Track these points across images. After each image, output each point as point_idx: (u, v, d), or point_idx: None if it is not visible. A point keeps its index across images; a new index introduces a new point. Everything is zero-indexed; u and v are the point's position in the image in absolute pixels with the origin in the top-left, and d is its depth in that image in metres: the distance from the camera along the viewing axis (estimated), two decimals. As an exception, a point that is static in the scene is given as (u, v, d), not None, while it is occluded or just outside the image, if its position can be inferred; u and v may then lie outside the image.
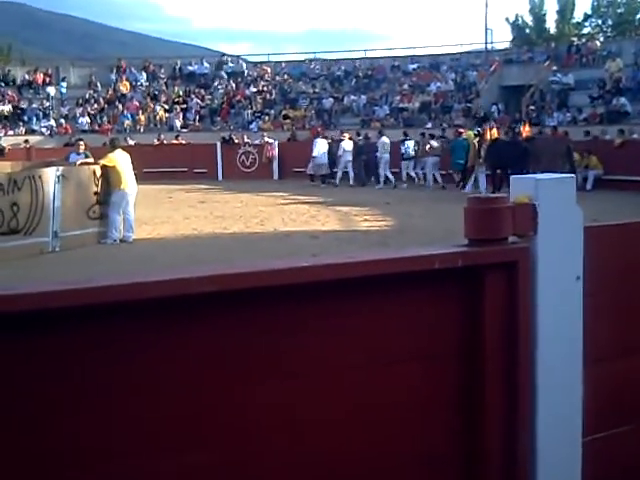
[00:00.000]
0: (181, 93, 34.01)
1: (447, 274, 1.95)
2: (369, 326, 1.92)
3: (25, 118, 32.75)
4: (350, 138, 24.48)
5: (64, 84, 34.70)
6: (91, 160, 14.21)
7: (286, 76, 34.92)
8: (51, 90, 34.11)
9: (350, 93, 32.93)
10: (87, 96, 33.88)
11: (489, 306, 2.00)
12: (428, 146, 22.82)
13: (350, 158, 23.91)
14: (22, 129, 31.98)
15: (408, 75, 33.43)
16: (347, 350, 1.90)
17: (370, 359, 1.92)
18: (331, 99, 32.47)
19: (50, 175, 12.77)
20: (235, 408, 1.78)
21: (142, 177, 16.51)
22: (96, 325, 1.62)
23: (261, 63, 37.47)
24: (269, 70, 35.62)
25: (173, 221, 16.01)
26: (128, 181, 13.45)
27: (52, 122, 32.42)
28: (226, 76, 34.99)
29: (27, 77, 34.90)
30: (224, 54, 41.34)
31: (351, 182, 23.96)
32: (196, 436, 1.74)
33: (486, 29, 36.39)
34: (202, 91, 34.13)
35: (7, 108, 32.79)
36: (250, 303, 1.76)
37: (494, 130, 22.04)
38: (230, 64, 36.52)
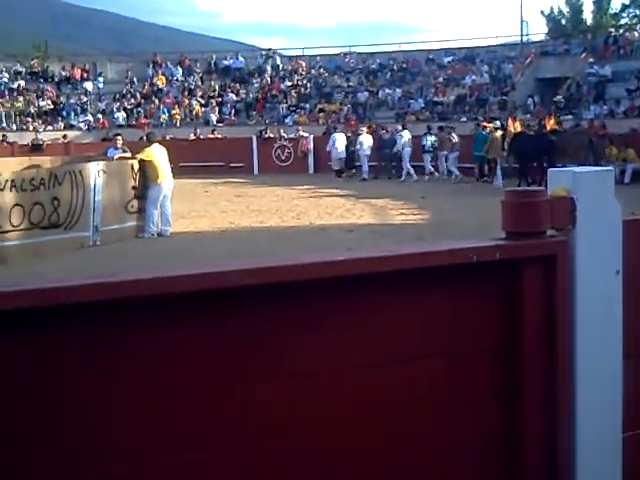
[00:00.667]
0: (217, 87, 34.16)
1: (484, 268, 1.95)
2: (405, 320, 1.92)
3: (63, 113, 33.15)
4: (368, 132, 24.63)
5: (101, 79, 35.05)
6: (129, 154, 14.34)
7: (321, 70, 34.89)
8: (88, 85, 34.47)
9: (385, 86, 32.82)
10: (124, 91, 34.19)
11: (527, 300, 1.99)
12: (454, 140, 22.80)
13: (369, 152, 24.07)
14: (60, 124, 32.38)
15: (443, 68, 33.24)
16: (382, 344, 1.90)
17: (405, 354, 1.92)
18: (366, 93, 32.40)
19: (91, 170, 12.92)
20: (272, 401, 1.79)
21: (179, 171, 16.65)
22: (137, 318, 1.65)
23: (296, 57, 37.49)
24: (304, 64, 35.61)
25: (210, 215, 16.11)
26: (165, 175, 13.56)
27: (90, 117, 32.77)
28: (270, 69, 34.97)
29: (65, 73, 35.29)
30: (259, 48, 41.44)
31: (364, 176, 24.07)
32: (228, 432, 1.76)
33: (522, 21, 36.07)
34: (237, 85, 34.24)
35: (46, 104, 33.21)
36: (287, 296, 1.77)
37: (517, 123, 22.09)
38: (265, 58, 36.59)
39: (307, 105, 32.59)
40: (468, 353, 1.99)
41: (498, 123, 22.46)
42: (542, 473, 2.03)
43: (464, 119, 28.14)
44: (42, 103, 33.23)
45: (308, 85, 33.97)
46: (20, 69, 35.24)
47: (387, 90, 32.42)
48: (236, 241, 12.50)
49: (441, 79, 32.04)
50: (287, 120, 31.41)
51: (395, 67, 33.88)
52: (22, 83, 34.34)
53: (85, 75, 35.23)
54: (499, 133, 21.35)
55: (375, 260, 1.87)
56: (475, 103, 30.03)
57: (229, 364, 1.75)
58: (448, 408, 1.98)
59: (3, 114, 32.53)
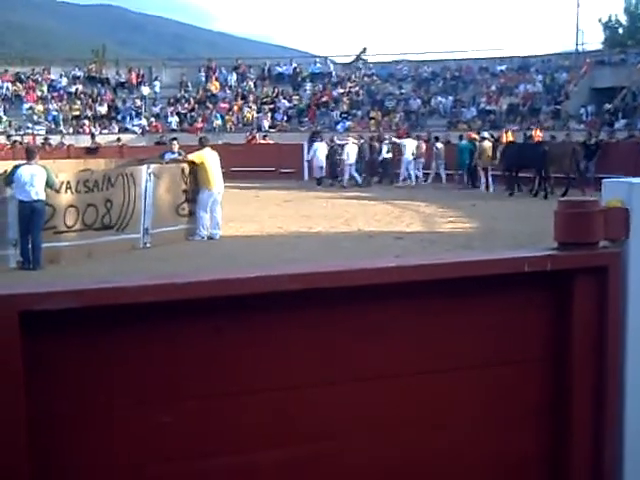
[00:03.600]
0: (270, 93, 34.40)
1: (535, 278, 1.94)
2: (453, 329, 1.91)
3: (119, 117, 33.71)
4: (354, 142, 25.63)
5: (156, 84, 35.55)
6: (182, 158, 14.50)
7: (374, 77, 34.91)
8: (144, 90, 34.99)
9: (437, 94, 32.69)
10: (178, 96, 34.62)
11: (578, 311, 1.97)
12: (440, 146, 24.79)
13: (353, 161, 25.03)
14: (115, 128, 32.93)
15: (496, 77, 32.99)
16: (430, 353, 1.90)
17: (452, 363, 1.92)
18: (418, 100, 32.31)
19: (142, 173, 13.09)
20: (319, 406, 1.81)
21: (230, 176, 16.80)
22: (187, 320, 1.68)
23: (348, 64, 37.56)
24: (357, 71, 35.66)
25: (259, 219, 16.22)
26: (216, 179, 13.69)
27: (144, 121, 33.25)
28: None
29: (120, 78, 35.89)
30: (313, 55, 41.56)
31: (345, 184, 24.92)
32: (277, 433, 1.77)
33: (577, 30, 35.63)
34: (290, 91, 34.44)
35: (103, 108, 33.82)
36: (335, 302, 1.78)
37: (509, 133, 23.60)
38: (317, 65, 36.73)
39: (359, 112, 32.62)
40: (518, 363, 1.97)
41: (486, 134, 23.69)
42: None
43: (515, 128, 27.89)
44: (98, 107, 33.83)
45: (360, 92, 34.00)
46: (78, 74, 35.94)
47: (439, 98, 32.29)
48: (284, 246, 12.57)
49: (494, 87, 31.81)
50: (338, 127, 31.48)
51: (448, 75, 33.74)
52: (80, 87, 35.02)
53: (140, 80, 35.77)
54: (488, 144, 22.51)
55: (425, 268, 1.87)
56: (527, 112, 29.74)
57: (294, 368, 1.77)
58: (497, 416, 1.97)
59: (61, 117, 33.19)
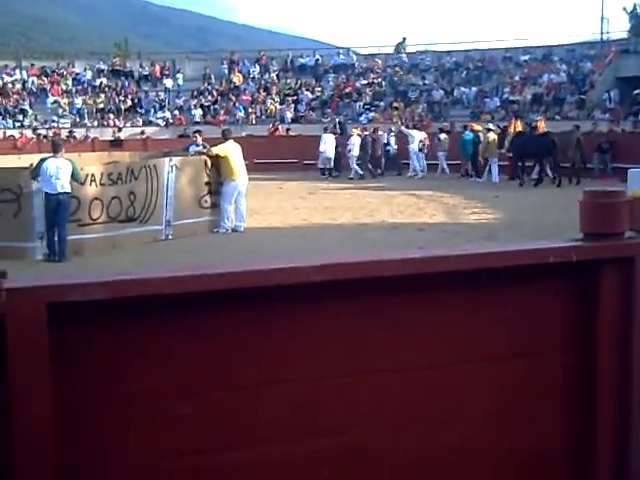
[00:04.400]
0: (292, 85, 34.37)
1: (561, 269, 1.93)
2: (477, 321, 1.91)
3: (142, 110, 33.85)
4: (359, 134, 25.64)
5: (180, 77, 35.64)
6: (204, 151, 14.52)
7: (397, 68, 34.76)
8: (167, 83, 35.10)
9: (461, 85, 32.50)
10: (201, 88, 34.69)
11: (603, 302, 1.95)
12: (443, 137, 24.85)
13: (357, 153, 25.12)
14: (139, 120, 33.08)
15: (520, 66, 32.70)
16: (453, 344, 1.89)
17: (477, 354, 1.91)
18: (441, 91, 32.14)
19: (164, 165, 13.14)
20: (340, 398, 1.81)
21: (253, 168, 16.82)
22: (210, 312, 1.69)
23: (371, 55, 37.41)
24: (379, 62, 35.51)
25: (283, 211, 16.23)
26: (239, 172, 13.69)
27: (167, 114, 33.36)
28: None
29: (144, 71, 36.03)
30: (336, 46, 41.47)
31: (352, 175, 25.03)
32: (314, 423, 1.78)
33: (602, 18, 35.24)
34: (313, 83, 34.40)
35: (127, 101, 33.98)
36: (357, 294, 1.78)
37: (518, 123, 23.18)
38: (340, 56, 36.64)
39: (382, 103, 32.51)
40: (543, 354, 1.97)
41: (492, 125, 23.93)
42: (613, 474, 2.00)
43: (540, 118, 27.65)
44: (122, 100, 34.01)
45: (383, 83, 33.88)
46: (102, 67, 36.12)
47: (462, 88, 32.10)
48: (308, 238, 12.57)
49: (517, 77, 31.54)
50: (361, 118, 31.39)
51: (471, 65, 33.52)
52: (104, 81, 35.20)
53: (164, 73, 35.89)
54: (493, 135, 22.77)
55: (449, 259, 1.86)
56: (552, 102, 29.47)
57: (315, 359, 1.78)
58: (523, 407, 1.96)
59: (85, 111, 33.40)
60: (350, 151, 25.13)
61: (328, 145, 25.44)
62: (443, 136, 25.01)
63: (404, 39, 36.98)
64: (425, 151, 25.04)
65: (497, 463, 1.96)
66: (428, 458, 1.89)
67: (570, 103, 28.91)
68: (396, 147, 26.02)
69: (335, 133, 26.38)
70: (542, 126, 23.25)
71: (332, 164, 25.61)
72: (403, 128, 26.65)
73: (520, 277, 1.91)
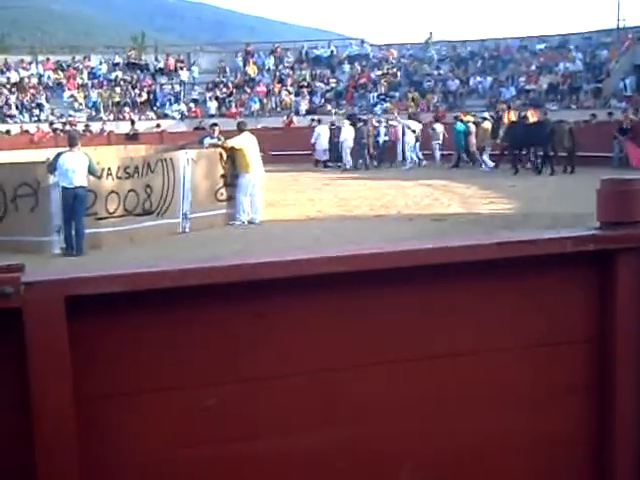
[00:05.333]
0: (307, 77, 34.34)
1: (578, 258, 1.92)
2: (495, 309, 1.91)
3: (158, 103, 33.94)
4: (351, 124, 25.88)
5: (195, 69, 35.69)
6: (220, 143, 14.55)
7: (411, 58, 34.64)
8: (183, 76, 35.15)
9: (476, 74, 32.36)
10: (216, 81, 34.73)
11: (621, 292, 1.94)
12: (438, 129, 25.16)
13: (351, 143, 25.35)
14: (155, 114, 33.16)
15: (535, 55, 32.51)
16: (472, 333, 1.89)
17: (494, 344, 1.91)
18: (456, 81, 32.01)
19: (180, 158, 13.18)
20: (367, 387, 1.81)
21: (269, 160, 16.82)
22: (230, 304, 1.69)
23: (386, 46, 37.30)
24: (394, 52, 35.41)
25: (299, 203, 16.24)
26: (255, 164, 13.71)
27: (183, 107, 33.43)
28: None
29: (159, 64, 36.11)
30: (350, 37, 41.34)
31: (347, 166, 25.27)
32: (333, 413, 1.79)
33: (619, 5, 34.97)
34: (328, 74, 34.35)
35: (142, 94, 34.07)
36: (374, 284, 1.79)
37: (512, 113, 23.88)
38: (354, 47, 36.56)
39: (397, 93, 32.42)
40: (560, 344, 1.96)
41: (486, 114, 24.34)
42: (633, 461, 2.00)
43: (555, 107, 27.50)
44: (138, 93, 34.09)
45: (398, 74, 33.78)
46: (117, 60, 36.23)
47: (478, 78, 31.96)
48: (324, 229, 12.57)
49: (533, 66, 31.36)
50: (376, 108, 31.32)
51: (486, 55, 33.35)
52: (119, 74, 35.30)
53: (179, 66, 35.94)
54: (488, 124, 23.19)
55: (465, 249, 1.86)
56: (567, 91, 29.29)
57: (339, 350, 1.78)
58: (543, 398, 1.96)
59: (101, 104, 33.52)
60: (344, 142, 25.32)
61: (322, 137, 25.72)
62: (437, 126, 25.34)
63: (431, 34, 36.53)
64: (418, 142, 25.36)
65: (513, 448, 1.96)
66: (461, 447, 1.90)
67: (586, 92, 28.73)
68: (387, 138, 26.17)
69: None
70: (534, 114, 23.95)
71: (327, 155, 25.98)
72: (399, 119, 26.70)
73: (537, 266, 1.90)
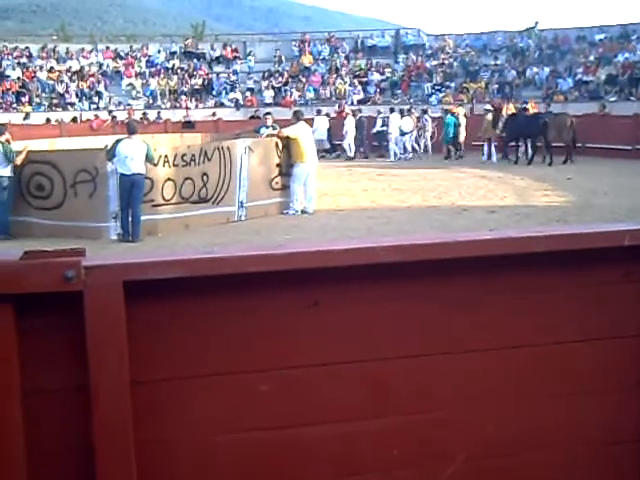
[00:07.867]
0: (362, 66, 34.19)
1: (636, 252, 1.89)
2: (548, 304, 1.89)
3: (214, 92, 34.15)
4: (353, 115, 26.36)
5: (251, 58, 35.81)
6: (275, 132, 14.58)
7: (468, 48, 34.25)
8: (238, 65, 35.31)
9: (533, 65, 31.84)
10: (272, 70, 34.81)
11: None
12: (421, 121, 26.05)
13: (354, 133, 25.90)
14: (211, 102, 33.38)
15: (594, 46, 31.81)
16: (525, 328, 1.88)
17: (548, 337, 1.90)
18: (513, 72, 31.54)
19: (238, 147, 13.26)
20: (416, 377, 1.82)
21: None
22: (286, 291, 1.71)
23: (442, 35, 36.93)
24: (450, 42, 35.04)
25: (352, 193, 16.22)
26: (309, 154, 13.73)
27: (238, 95, 33.58)
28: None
29: (216, 53, 36.31)
30: (405, 27, 40.99)
31: (350, 154, 25.74)
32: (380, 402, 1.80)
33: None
34: (383, 64, 34.15)
35: (199, 82, 34.33)
36: (426, 274, 1.79)
37: (511, 105, 24.32)
38: (410, 37, 36.28)
39: (452, 84, 32.10)
40: (614, 338, 1.94)
41: (488, 106, 24.50)
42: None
43: (614, 98, 26.92)
44: (194, 82, 34.35)
45: (454, 64, 33.43)
46: (174, 49, 36.54)
47: (535, 69, 31.44)
48: (377, 219, 12.54)
49: (592, 57, 30.71)
50: (431, 99, 31.07)
51: (544, 45, 32.77)
52: (176, 62, 35.60)
53: (235, 55, 36.10)
54: (490, 115, 23.44)
55: (522, 240, 1.85)
56: (627, 82, 28.61)
57: (387, 340, 1.79)
58: (592, 392, 1.94)
59: (158, 92, 33.87)
60: (346, 132, 25.84)
61: (320, 128, 25.82)
62: (429, 118, 26.11)
63: (536, 23, 35.67)
64: (410, 134, 25.69)
65: (560, 444, 1.94)
66: (502, 440, 1.89)
67: (647, 83, 28.03)
68: (384, 128, 26.39)
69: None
70: (534, 106, 24.63)
71: (326, 145, 26.19)
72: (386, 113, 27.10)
73: (593, 259, 1.88)
